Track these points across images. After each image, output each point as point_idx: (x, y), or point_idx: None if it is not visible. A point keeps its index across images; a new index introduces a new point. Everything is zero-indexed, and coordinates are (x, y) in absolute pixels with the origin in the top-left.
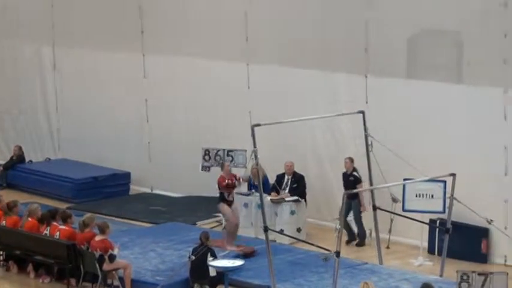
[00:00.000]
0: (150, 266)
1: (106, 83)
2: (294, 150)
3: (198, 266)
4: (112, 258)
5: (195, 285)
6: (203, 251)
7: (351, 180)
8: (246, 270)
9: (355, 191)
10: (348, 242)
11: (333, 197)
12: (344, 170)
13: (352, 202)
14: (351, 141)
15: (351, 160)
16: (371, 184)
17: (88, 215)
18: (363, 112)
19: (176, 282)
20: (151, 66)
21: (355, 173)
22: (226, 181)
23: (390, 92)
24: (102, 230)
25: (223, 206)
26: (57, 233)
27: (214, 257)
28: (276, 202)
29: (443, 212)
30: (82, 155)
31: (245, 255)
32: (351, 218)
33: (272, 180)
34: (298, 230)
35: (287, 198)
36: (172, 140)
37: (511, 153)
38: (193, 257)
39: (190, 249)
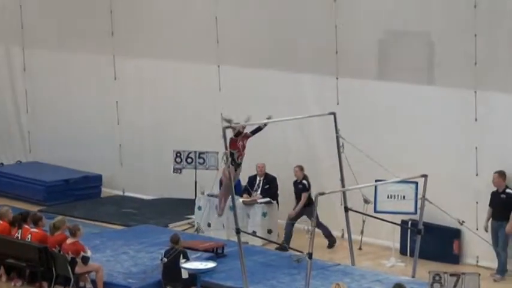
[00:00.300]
0: (122, 269)
1: (77, 85)
2: (266, 152)
3: (171, 268)
4: (85, 260)
5: (168, 287)
6: (175, 253)
7: (299, 188)
8: (219, 272)
9: (328, 192)
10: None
11: None
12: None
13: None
14: (322, 143)
15: (300, 168)
16: (343, 185)
17: (59, 217)
18: (334, 113)
19: (148, 285)
20: (122, 68)
21: (304, 181)
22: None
23: (361, 93)
24: (73, 232)
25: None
26: (29, 236)
27: (187, 259)
28: (248, 204)
29: (415, 213)
30: (53, 157)
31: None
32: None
33: (244, 182)
34: (269, 231)
35: (259, 200)
36: (144, 142)
37: (482, 154)
38: (165, 260)
39: (162, 251)
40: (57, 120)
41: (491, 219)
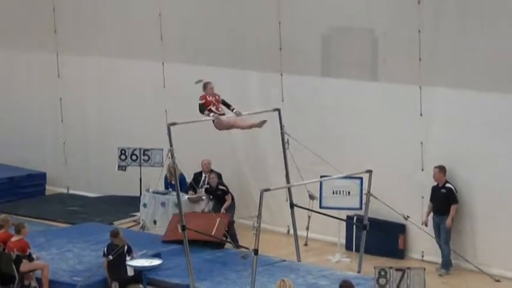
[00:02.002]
0: (67, 267)
1: (19, 83)
2: (211, 149)
3: (116, 264)
4: (31, 257)
5: (113, 284)
6: (120, 250)
7: (219, 194)
8: (165, 269)
9: (273, 188)
10: None
11: (250, 195)
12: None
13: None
14: (267, 139)
15: (218, 176)
16: (288, 181)
17: (2, 216)
18: (278, 110)
19: (94, 283)
20: (65, 66)
21: (221, 186)
22: (209, 98)
23: (306, 89)
24: (18, 230)
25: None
26: None
27: (130, 251)
28: (194, 201)
29: (360, 208)
30: None
31: None
32: None
33: (189, 178)
34: None
35: (204, 197)
36: (88, 139)
37: (427, 149)
38: (110, 257)
39: (104, 248)
40: (0, 118)
41: (432, 214)
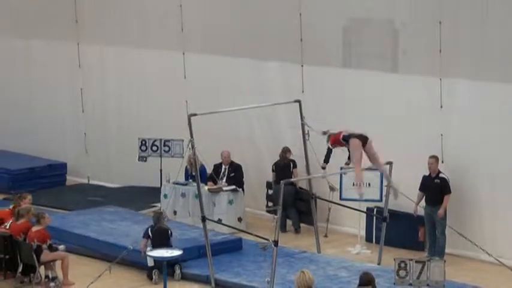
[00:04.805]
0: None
1: (41, 73)
2: (231, 140)
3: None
4: (52, 247)
5: (155, 271)
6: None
7: None
8: (185, 260)
9: (292, 180)
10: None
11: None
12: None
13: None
14: (287, 130)
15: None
16: (308, 173)
17: (23, 206)
18: (299, 101)
19: None
20: (87, 56)
21: None
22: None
23: (326, 80)
24: (38, 220)
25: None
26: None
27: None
28: (214, 192)
29: (380, 200)
30: (17, 145)
31: None
32: None
33: (209, 170)
34: (239, 219)
35: (224, 188)
36: (109, 130)
37: (447, 141)
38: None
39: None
40: (21, 108)
41: (425, 204)
